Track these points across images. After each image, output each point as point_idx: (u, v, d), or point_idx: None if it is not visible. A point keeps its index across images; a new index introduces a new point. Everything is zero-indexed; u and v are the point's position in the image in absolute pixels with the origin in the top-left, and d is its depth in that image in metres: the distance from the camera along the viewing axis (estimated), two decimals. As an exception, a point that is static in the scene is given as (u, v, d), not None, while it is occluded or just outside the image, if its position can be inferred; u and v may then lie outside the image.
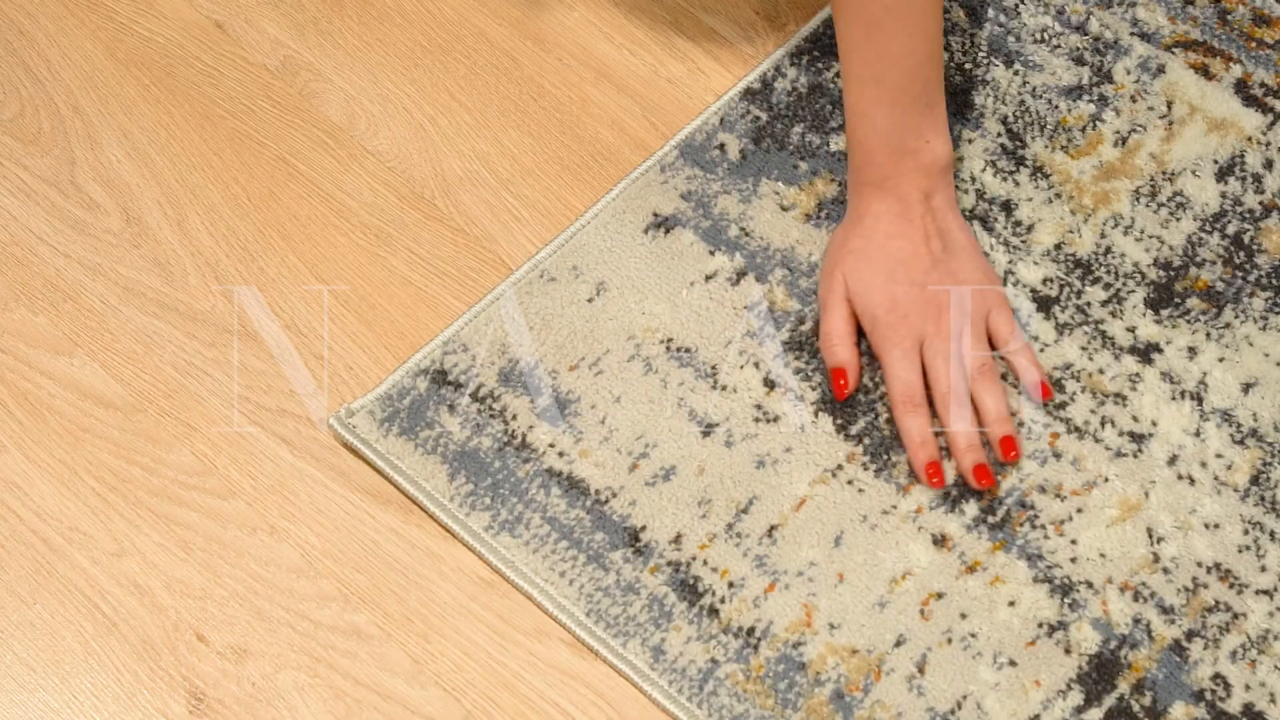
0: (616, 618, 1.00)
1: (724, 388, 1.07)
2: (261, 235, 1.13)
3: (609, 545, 1.02)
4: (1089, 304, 1.10)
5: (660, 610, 1.00)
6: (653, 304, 1.10)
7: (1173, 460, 1.05)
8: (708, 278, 1.11)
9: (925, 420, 1.04)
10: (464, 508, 1.03)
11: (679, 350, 1.09)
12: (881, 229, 1.06)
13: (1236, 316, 1.10)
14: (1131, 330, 1.09)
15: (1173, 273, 1.11)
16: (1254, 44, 1.20)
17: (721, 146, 1.16)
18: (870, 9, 1.03)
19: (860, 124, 1.06)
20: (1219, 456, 1.05)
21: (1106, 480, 1.04)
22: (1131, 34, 1.21)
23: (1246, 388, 1.07)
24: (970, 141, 1.17)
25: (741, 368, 1.08)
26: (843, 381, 1.05)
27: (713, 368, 1.08)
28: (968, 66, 1.20)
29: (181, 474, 1.04)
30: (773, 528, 1.02)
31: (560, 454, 1.05)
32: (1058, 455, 1.05)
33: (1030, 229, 1.13)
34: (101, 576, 1.01)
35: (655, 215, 1.14)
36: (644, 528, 1.03)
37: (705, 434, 1.06)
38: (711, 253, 1.12)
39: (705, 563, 1.01)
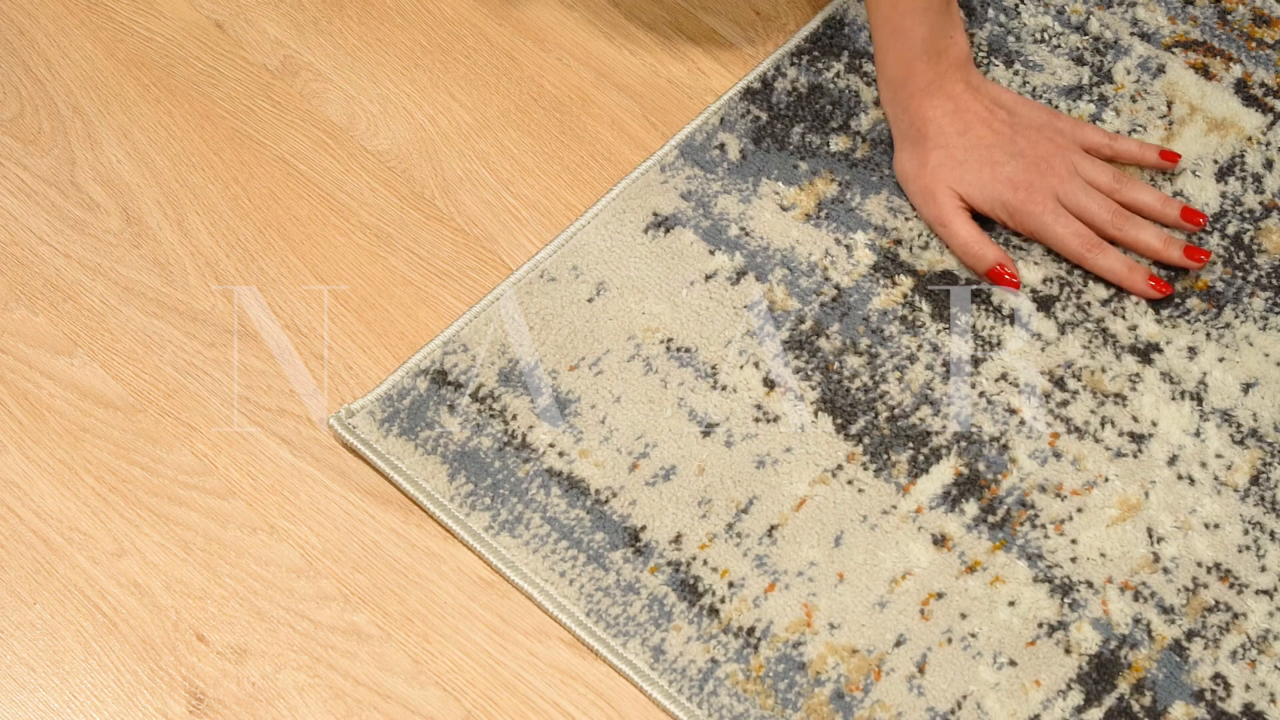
0: (616, 618, 1.00)
1: (724, 388, 1.07)
2: (261, 235, 1.13)
3: (609, 545, 1.02)
4: (1089, 303, 1.10)
5: (660, 610, 1.00)
6: (653, 304, 1.10)
7: (1173, 460, 1.05)
8: (708, 277, 1.11)
9: (1117, 251, 1.09)
10: (464, 508, 1.03)
11: (679, 350, 1.09)
12: (950, 130, 1.10)
13: (1236, 316, 1.10)
14: (1132, 329, 1.09)
15: (1173, 273, 1.11)
16: (1254, 44, 1.20)
17: (721, 146, 1.16)
18: None
19: (895, 39, 1.09)
20: (1219, 456, 1.05)
21: (1106, 480, 1.04)
22: (1131, 34, 1.21)
23: (1246, 388, 1.07)
24: (970, 141, 1.17)
25: (741, 368, 1.08)
26: (1009, 274, 1.08)
27: (713, 368, 1.08)
28: (968, 66, 1.20)
29: (181, 474, 1.04)
30: (773, 527, 1.02)
31: (560, 454, 1.05)
32: (1058, 455, 1.05)
33: (1030, 229, 1.13)
34: (101, 576, 1.01)
35: (655, 215, 1.14)
36: (644, 528, 1.03)
37: (705, 434, 1.06)
38: (711, 252, 1.12)
39: (705, 562, 1.01)
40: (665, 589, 1.01)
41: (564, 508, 1.03)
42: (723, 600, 1.00)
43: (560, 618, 1.00)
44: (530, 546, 1.02)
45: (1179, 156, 1.12)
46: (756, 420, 1.06)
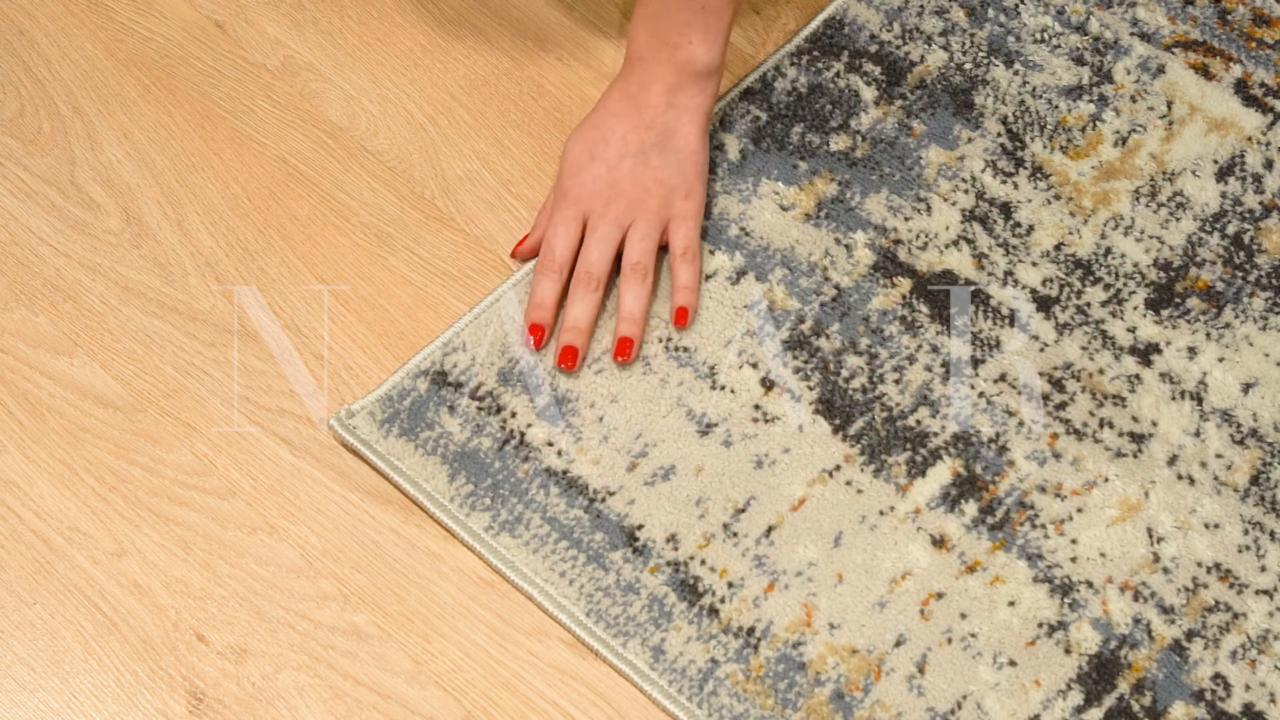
0: (616, 618, 1.00)
1: (723, 388, 1.07)
2: (261, 235, 1.13)
3: (609, 545, 1.02)
4: (1089, 304, 1.10)
5: (660, 610, 1.00)
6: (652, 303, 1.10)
7: (1173, 460, 1.05)
8: (707, 277, 1.11)
9: (556, 288, 1.07)
10: (464, 508, 1.03)
11: (678, 350, 1.09)
12: (609, 103, 1.09)
13: (1236, 316, 1.10)
14: (1132, 330, 1.09)
15: (1173, 273, 1.11)
16: (1254, 44, 1.20)
17: (721, 146, 1.16)
18: None
19: (640, 2, 1.08)
20: (1219, 456, 1.05)
21: (1106, 480, 1.04)
22: (1131, 34, 1.21)
23: (1246, 388, 1.07)
24: (970, 141, 1.17)
25: (740, 368, 1.08)
26: (526, 246, 1.09)
27: (711, 368, 1.08)
28: (968, 66, 1.20)
29: (181, 474, 1.04)
30: (771, 528, 1.02)
31: (559, 453, 1.05)
32: (1057, 455, 1.05)
33: (1030, 230, 1.13)
34: (101, 576, 1.01)
35: (655, 215, 1.14)
36: (642, 527, 1.03)
37: (704, 434, 1.06)
38: (711, 252, 1.12)
39: (704, 562, 1.01)
40: (665, 589, 1.01)
41: (563, 507, 1.03)
42: (722, 600, 1.00)
43: (560, 618, 1.00)
44: (530, 546, 1.02)
45: (686, 323, 1.07)
46: (755, 420, 1.06)
